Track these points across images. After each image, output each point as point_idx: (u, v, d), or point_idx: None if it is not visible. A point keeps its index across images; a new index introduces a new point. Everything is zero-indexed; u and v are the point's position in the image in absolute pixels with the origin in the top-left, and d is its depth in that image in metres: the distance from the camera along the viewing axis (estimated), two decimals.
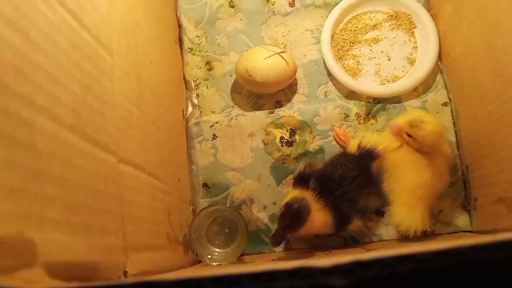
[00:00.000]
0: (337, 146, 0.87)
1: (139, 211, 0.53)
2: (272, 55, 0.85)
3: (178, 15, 0.94)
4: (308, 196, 0.73)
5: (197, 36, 0.94)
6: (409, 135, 0.74)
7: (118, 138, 0.49)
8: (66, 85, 0.38)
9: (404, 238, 0.81)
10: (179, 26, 0.94)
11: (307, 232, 0.74)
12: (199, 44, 0.93)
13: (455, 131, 0.86)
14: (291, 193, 0.76)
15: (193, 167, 0.88)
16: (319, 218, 0.72)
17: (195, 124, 0.89)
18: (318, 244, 0.83)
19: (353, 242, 0.83)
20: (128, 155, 0.52)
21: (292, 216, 0.70)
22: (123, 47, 0.55)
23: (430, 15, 0.90)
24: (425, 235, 0.79)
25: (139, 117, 0.58)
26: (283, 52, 0.87)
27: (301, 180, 0.76)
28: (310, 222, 0.71)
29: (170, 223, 0.66)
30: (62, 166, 0.35)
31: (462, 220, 0.83)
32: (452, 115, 0.87)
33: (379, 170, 0.78)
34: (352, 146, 0.79)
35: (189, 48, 0.93)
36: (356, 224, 0.76)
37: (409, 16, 0.92)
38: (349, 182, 0.74)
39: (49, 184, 0.33)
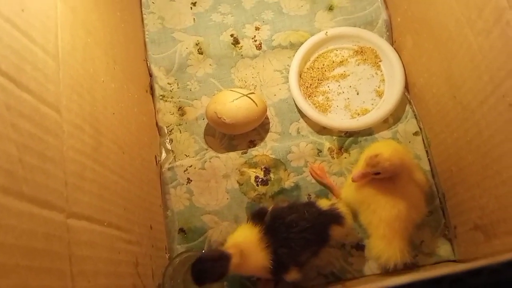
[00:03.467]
0: (313, 181, 0.87)
1: (95, 265, 0.52)
2: (240, 97, 0.86)
3: (149, 65, 0.96)
4: (253, 233, 0.71)
5: (168, 83, 0.96)
6: (376, 174, 0.73)
7: (67, 193, 0.49)
8: None
9: (386, 271, 0.78)
10: (150, 75, 0.96)
11: (240, 271, 0.71)
12: (170, 91, 0.95)
13: (428, 159, 0.85)
14: (240, 229, 0.74)
15: (168, 212, 0.87)
16: (257, 260, 0.70)
17: (169, 169, 0.89)
18: (299, 282, 0.81)
19: (335, 279, 0.81)
20: (80, 209, 0.52)
21: (201, 271, 0.67)
22: (75, 102, 0.56)
23: (394, 48, 0.92)
24: (406, 267, 0.76)
25: (95, 169, 0.58)
26: (251, 93, 0.88)
27: (257, 215, 0.74)
28: (247, 263, 0.68)
29: (138, 274, 0.65)
30: None
31: (444, 249, 0.80)
32: (424, 143, 0.86)
33: (338, 237, 0.76)
34: (325, 203, 0.76)
35: (161, 95, 0.95)
36: (293, 275, 0.72)
37: (374, 51, 0.94)
38: (297, 231, 0.71)
39: None
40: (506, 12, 0.55)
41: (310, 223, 0.71)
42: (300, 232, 0.71)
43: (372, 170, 0.72)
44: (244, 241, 0.70)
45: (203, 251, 0.82)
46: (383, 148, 0.74)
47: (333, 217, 0.73)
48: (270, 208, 0.75)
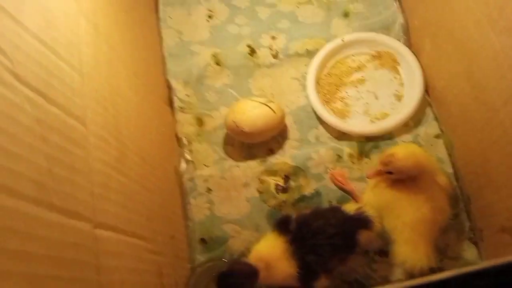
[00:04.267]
0: (334, 188, 0.86)
1: (121, 275, 0.53)
2: (258, 105, 0.87)
3: (167, 77, 0.98)
4: (279, 242, 0.70)
5: (186, 95, 0.97)
6: (389, 173, 0.73)
7: (94, 204, 0.50)
8: (29, 159, 0.39)
9: (411, 277, 0.77)
10: (169, 87, 0.97)
11: (268, 282, 0.70)
12: (189, 103, 0.97)
13: (451, 162, 0.84)
14: (266, 237, 0.73)
15: (188, 223, 0.87)
16: (283, 269, 0.69)
17: (189, 179, 0.90)
18: None
19: (359, 286, 0.80)
20: (106, 219, 0.53)
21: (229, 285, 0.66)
22: (100, 115, 0.57)
23: (412, 51, 0.92)
24: (432, 272, 0.75)
25: (119, 180, 0.59)
26: (270, 101, 0.88)
27: (282, 223, 0.73)
28: (274, 273, 0.68)
29: (162, 284, 0.65)
30: (20, 239, 0.36)
31: (470, 253, 0.79)
32: (446, 146, 0.85)
33: (366, 243, 0.74)
34: (351, 207, 0.74)
35: (180, 107, 0.96)
36: (323, 283, 0.71)
37: (392, 55, 0.94)
38: (325, 237, 0.70)
39: (3, 259, 0.33)
40: None
41: (337, 229, 0.70)
42: (327, 238, 0.70)
43: (385, 168, 0.72)
44: (270, 252, 0.70)
45: (224, 260, 0.82)
46: (400, 149, 0.73)
47: (361, 222, 0.72)
48: (294, 216, 0.74)
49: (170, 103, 0.97)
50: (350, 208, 0.74)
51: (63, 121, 0.47)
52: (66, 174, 0.45)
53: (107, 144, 0.57)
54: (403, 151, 0.72)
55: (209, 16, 1.03)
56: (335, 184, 0.86)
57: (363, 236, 0.72)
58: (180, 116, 0.96)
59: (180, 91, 0.97)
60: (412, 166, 0.71)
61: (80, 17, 0.58)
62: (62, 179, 0.44)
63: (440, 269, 0.77)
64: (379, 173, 0.74)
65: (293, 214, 0.75)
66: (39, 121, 0.43)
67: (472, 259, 0.78)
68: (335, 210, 0.74)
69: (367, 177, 0.76)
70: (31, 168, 0.40)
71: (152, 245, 0.65)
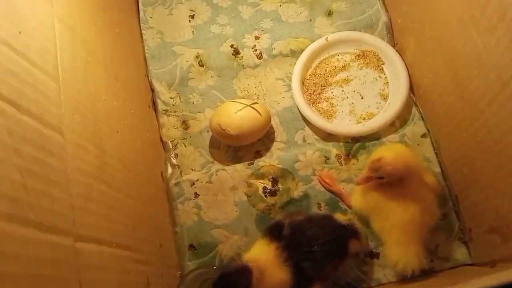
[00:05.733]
0: (323, 190, 0.85)
1: None
2: (243, 107, 0.85)
3: (150, 80, 0.96)
4: (271, 248, 0.70)
5: (170, 97, 0.95)
6: (380, 178, 0.72)
7: (74, 216, 0.48)
8: (1, 174, 0.37)
9: (403, 278, 0.76)
10: (152, 90, 0.95)
11: None
12: (173, 105, 0.94)
13: (438, 161, 0.84)
14: (257, 244, 0.73)
15: (177, 229, 0.86)
16: (276, 276, 0.68)
17: (175, 184, 0.88)
18: None
19: None
20: (88, 231, 0.51)
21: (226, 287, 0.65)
22: (78, 122, 0.55)
23: (396, 50, 0.91)
24: (424, 273, 0.75)
25: (101, 189, 0.57)
26: (255, 103, 0.87)
27: (274, 229, 0.73)
28: (265, 279, 0.66)
29: None
30: None
31: (460, 253, 0.79)
32: (433, 145, 0.85)
33: (355, 251, 0.75)
34: (341, 217, 0.75)
35: (164, 110, 0.94)
36: None
37: (376, 54, 0.93)
38: (320, 244, 0.70)
39: None
40: (510, 9, 0.54)
41: (331, 236, 0.71)
42: (322, 245, 0.70)
43: (375, 174, 0.71)
44: (262, 259, 0.69)
45: (214, 267, 0.81)
46: (387, 152, 0.73)
47: (352, 232, 0.73)
48: (287, 222, 0.73)
49: (154, 106, 0.95)
50: (340, 218, 0.75)
51: (38, 131, 0.45)
52: (42, 187, 0.43)
53: (86, 152, 0.55)
54: (391, 154, 0.71)
55: (191, 16, 1.01)
56: (323, 186, 0.85)
57: (353, 245, 0.73)
58: (164, 119, 0.93)
59: (164, 94, 0.95)
60: (401, 169, 0.71)
61: (55, 20, 0.56)
62: (38, 192, 0.42)
63: (431, 270, 0.77)
64: (369, 179, 0.74)
65: (285, 220, 0.75)
66: (11, 133, 0.40)
67: (463, 259, 0.78)
68: (328, 218, 0.74)
69: (357, 184, 0.75)
70: (3, 182, 0.38)
71: (138, 255, 0.63)
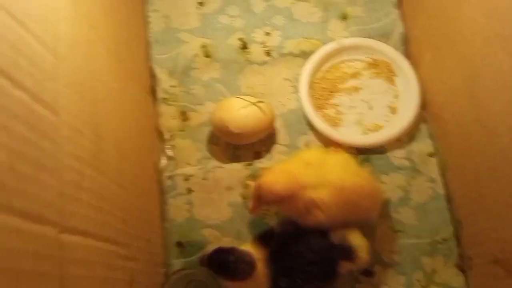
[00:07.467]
0: None
1: (88, 286, 0.47)
2: (248, 105, 0.81)
3: (151, 65, 0.91)
4: (260, 255, 0.66)
5: (171, 86, 0.90)
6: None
7: (62, 205, 0.43)
8: None
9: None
10: (152, 76, 0.90)
11: None
12: (173, 94, 0.90)
13: (444, 183, 0.81)
14: (247, 246, 0.69)
15: (166, 224, 0.81)
16: (258, 284, 0.65)
17: (169, 178, 0.84)
18: None
19: None
20: (76, 222, 0.46)
21: (221, 267, 0.63)
22: (75, 102, 0.50)
23: (410, 63, 0.88)
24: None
25: (94, 178, 0.52)
26: (260, 101, 0.83)
27: (264, 236, 0.69)
28: (248, 285, 0.63)
29: None
30: None
31: (457, 280, 0.76)
32: (440, 166, 0.82)
33: (345, 272, 0.69)
34: (335, 235, 0.68)
35: (163, 98, 0.89)
36: None
37: (388, 64, 0.90)
38: (303, 263, 0.65)
39: None
40: None
41: (318, 257, 0.65)
42: (305, 264, 0.65)
43: (260, 202, 0.67)
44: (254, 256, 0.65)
45: (202, 269, 0.76)
46: (266, 177, 0.67)
47: (344, 253, 0.66)
48: (277, 231, 0.70)
49: (153, 93, 0.90)
50: (337, 235, 0.68)
51: (30, 108, 0.40)
52: (31, 171, 0.38)
53: (82, 136, 0.51)
54: (268, 179, 0.66)
55: (200, 3, 0.97)
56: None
57: (344, 267, 0.67)
58: (163, 108, 0.89)
59: (165, 81, 0.90)
60: (284, 193, 0.65)
61: None
62: (26, 176, 0.38)
63: None
64: (258, 206, 0.69)
65: (278, 228, 0.70)
66: (1, 108, 0.36)
67: (459, 287, 0.75)
68: (320, 235, 0.67)
69: (251, 213, 0.72)
70: None
71: (126, 250, 0.59)
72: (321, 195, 0.66)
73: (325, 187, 0.67)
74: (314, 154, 0.72)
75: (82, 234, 0.47)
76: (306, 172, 0.68)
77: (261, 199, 0.67)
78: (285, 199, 0.66)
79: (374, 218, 0.74)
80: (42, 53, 0.45)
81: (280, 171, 0.68)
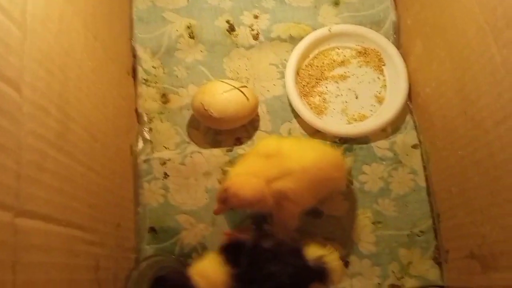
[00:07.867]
0: None
1: (45, 274, 0.45)
2: (230, 89, 0.79)
3: (133, 44, 0.88)
4: (224, 270, 0.61)
5: (153, 66, 0.87)
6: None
7: (20, 188, 0.41)
8: None
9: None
10: (134, 55, 0.87)
11: None
12: (155, 76, 0.87)
13: (425, 175, 0.80)
14: (212, 257, 0.63)
15: (139, 209, 0.79)
16: None
17: (145, 161, 0.81)
18: None
19: None
20: (34, 206, 0.44)
21: None
22: (42, 79, 0.48)
23: (400, 52, 0.86)
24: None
25: (58, 159, 0.50)
26: (244, 86, 0.81)
27: (232, 250, 0.63)
28: None
29: (97, 280, 0.57)
30: None
31: (433, 273, 0.76)
32: (423, 158, 0.81)
33: None
34: (314, 252, 0.64)
35: (144, 79, 0.86)
36: None
37: (378, 53, 0.88)
38: (273, 286, 0.61)
39: None
40: None
41: (291, 279, 0.61)
42: (277, 287, 0.61)
43: (226, 205, 0.65)
44: (211, 276, 0.61)
45: (173, 256, 0.75)
46: (233, 181, 0.65)
47: (317, 274, 0.62)
48: (248, 246, 0.64)
49: (133, 73, 0.87)
50: (313, 252, 0.63)
51: None
52: None
53: (47, 115, 0.48)
54: (235, 185, 0.64)
55: None
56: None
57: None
58: (143, 89, 0.86)
59: (146, 61, 0.87)
60: (251, 199, 0.63)
61: None
62: None
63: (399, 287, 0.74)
64: (224, 210, 0.67)
65: (248, 240, 0.65)
66: None
67: (434, 280, 0.75)
68: (294, 254, 0.63)
69: (215, 214, 0.70)
70: None
71: (91, 235, 0.57)
72: (287, 184, 0.65)
73: (288, 174, 0.65)
74: (269, 144, 0.69)
75: (42, 219, 0.45)
76: (267, 166, 0.66)
77: (227, 203, 0.65)
78: (253, 203, 0.64)
79: (343, 184, 0.73)
80: (7, 27, 0.42)
81: (246, 175, 0.66)
